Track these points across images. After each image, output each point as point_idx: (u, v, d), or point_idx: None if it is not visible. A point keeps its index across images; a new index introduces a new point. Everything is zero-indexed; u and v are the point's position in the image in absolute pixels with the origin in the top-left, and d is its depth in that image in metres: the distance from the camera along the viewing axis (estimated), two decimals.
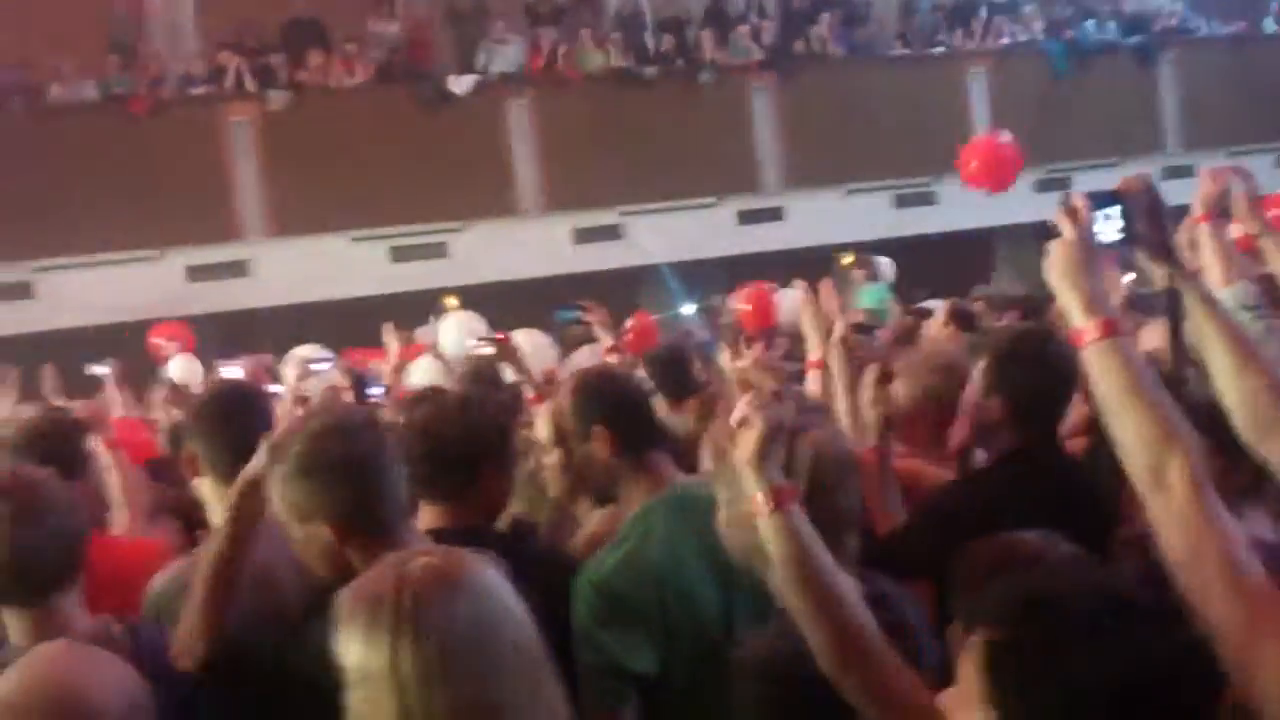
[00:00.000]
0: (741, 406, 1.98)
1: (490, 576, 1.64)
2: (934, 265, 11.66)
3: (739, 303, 6.54)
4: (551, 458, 2.77)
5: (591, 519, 2.95)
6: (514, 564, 1.76)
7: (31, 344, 9.87)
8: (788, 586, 1.90)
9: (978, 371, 2.84)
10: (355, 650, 1.56)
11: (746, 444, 1.95)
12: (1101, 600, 1.43)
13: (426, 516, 2.54)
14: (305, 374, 5.83)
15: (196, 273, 12.20)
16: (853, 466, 2.18)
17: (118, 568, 2.71)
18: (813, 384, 3.67)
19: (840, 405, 3.32)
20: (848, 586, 1.92)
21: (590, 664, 2.33)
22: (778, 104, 14.04)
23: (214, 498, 2.64)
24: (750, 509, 1.96)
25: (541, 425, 2.75)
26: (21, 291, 11.64)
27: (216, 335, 10.21)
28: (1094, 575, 1.76)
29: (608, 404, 2.59)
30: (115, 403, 6.96)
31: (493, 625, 1.59)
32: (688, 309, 12.87)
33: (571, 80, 13.54)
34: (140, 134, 12.05)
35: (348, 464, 2.13)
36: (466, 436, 2.60)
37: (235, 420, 2.66)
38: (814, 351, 3.71)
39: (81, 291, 11.59)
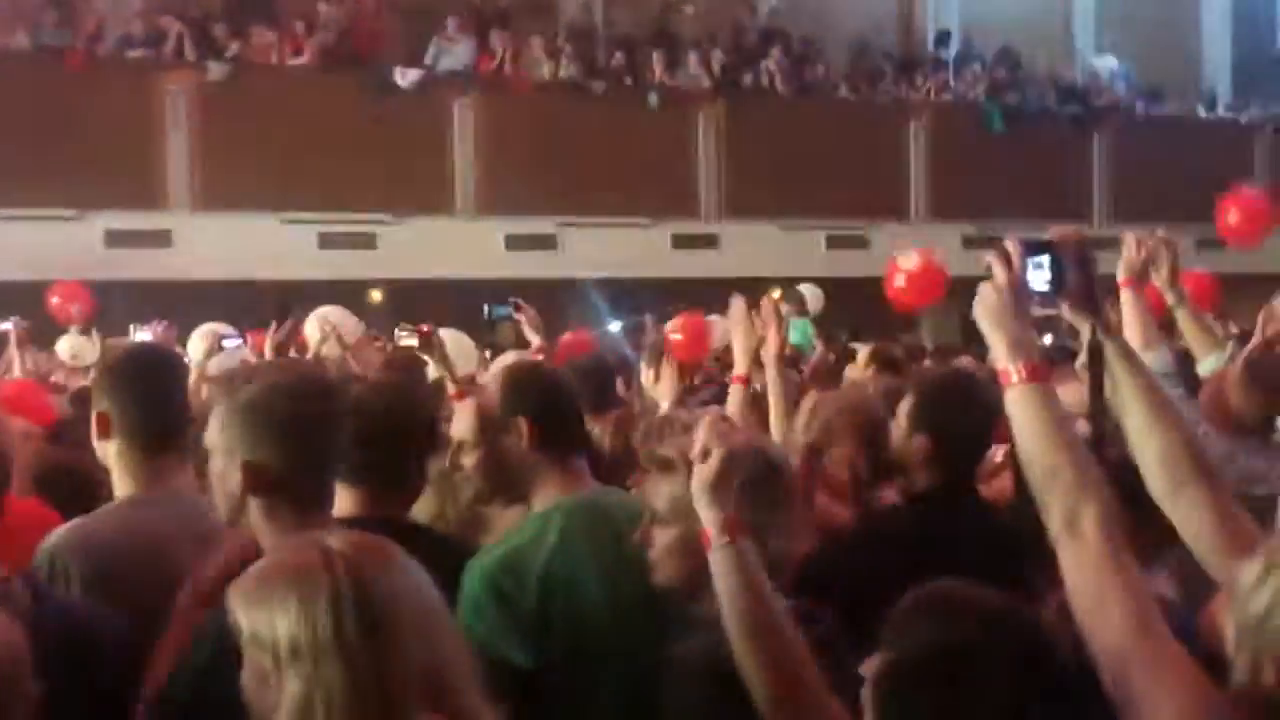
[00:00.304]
0: (703, 434, 1.97)
1: (405, 555, 1.62)
2: (860, 308, 11.78)
3: (673, 330, 6.52)
4: (470, 458, 2.74)
5: (503, 519, 2.92)
6: (421, 558, 1.72)
7: None
8: (734, 620, 1.90)
9: (902, 410, 2.87)
10: (284, 625, 1.49)
11: (704, 474, 1.94)
12: (1001, 634, 1.45)
13: (342, 501, 2.48)
14: (213, 349, 5.72)
15: (116, 238, 11.90)
16: (782, 478, 2.18)
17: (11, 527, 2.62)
18: (734, 400, 3.68)
19: (774, 423, 3.33)
20: (787, 621, 1.91)
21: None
22: (721, 133, 14.12)
23: (119, 461, 2.56)
24: (692, 538, 1.95)
25: (463, 421, 2.71)
26: None
27: (132, 304, 9.98)
28: (1000, 612, 1.78)
29: (535, 397, 2.56)
30: (13, 362, 6.77)
31: (425, 593, 1.59)
32: (614, 326, 12.88)
33: (518, 86, 13.50)
34: (71, 90, 11.73)
35: (305, 422, 2.08)
36: (395, 419, 2.55)
37: (151, 380, 2.58)
38: (740, 367, 3.72)
39: None
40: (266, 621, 1.51)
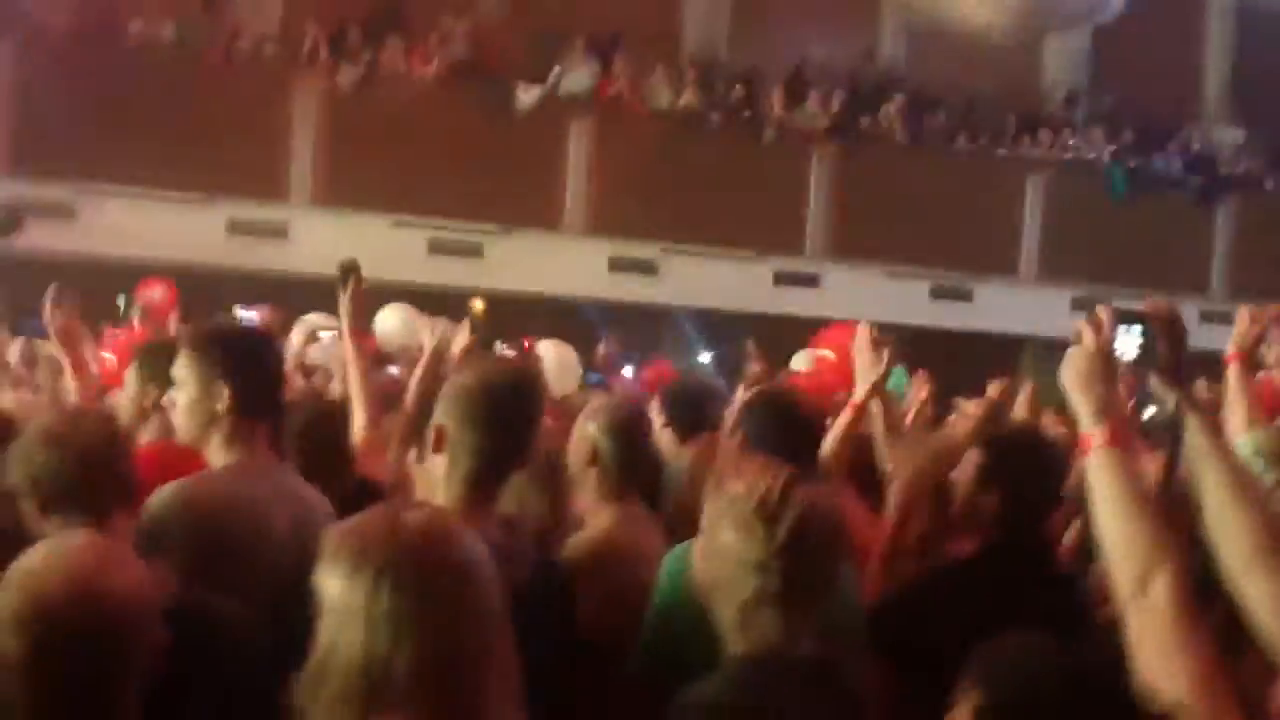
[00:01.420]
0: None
1: (471, 539, 1.69)
2: (958, 362, 11.67)
3: (820, 351, 6.32)
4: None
5: (600, 517, 2.99)
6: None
7: (70, 267, 9.96)
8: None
9: (969, 463, 2.86)
10: (335, 584, 1.60)
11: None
12: (1077, 678, 1.47)
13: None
14: (311, 340, 5.84)
15: (237, 226, 12.30)
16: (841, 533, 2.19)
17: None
18: (841, 426, 3.65)
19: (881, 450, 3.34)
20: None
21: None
22: (834, 174, 14.10)
23: (219, 429, 2.67)
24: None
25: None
26: (65, 212, 11.73)
27: (247, 290, 10.27)
28: (1077, 659, 1.77)
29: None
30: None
31: (465, 584, 1.64)
32: (706, 357, 12.91)
33: (637, 113, 13.65)
34: (209, 84, 12.17)
35: (492, 413, 2.42)
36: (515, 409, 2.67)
37: (250, 357, 2.69)
38: (860, 394, 3.71)
39: (121, 221, 11.68)
40: (326, 576, 1.61)
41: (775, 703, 1.94)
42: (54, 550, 1.79)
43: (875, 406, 3.64)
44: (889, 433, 3.85)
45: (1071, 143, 15.37)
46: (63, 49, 11.76)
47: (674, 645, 2.38)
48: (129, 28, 12.44)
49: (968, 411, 5.94)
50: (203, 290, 9.33)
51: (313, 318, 6.89)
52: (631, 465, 3.00)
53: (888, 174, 14.00)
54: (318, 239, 12.37)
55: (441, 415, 2.44)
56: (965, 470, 2.85)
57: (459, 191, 12.58)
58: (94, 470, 2.39)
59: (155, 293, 8.81)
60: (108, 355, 5.44)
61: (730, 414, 3.26)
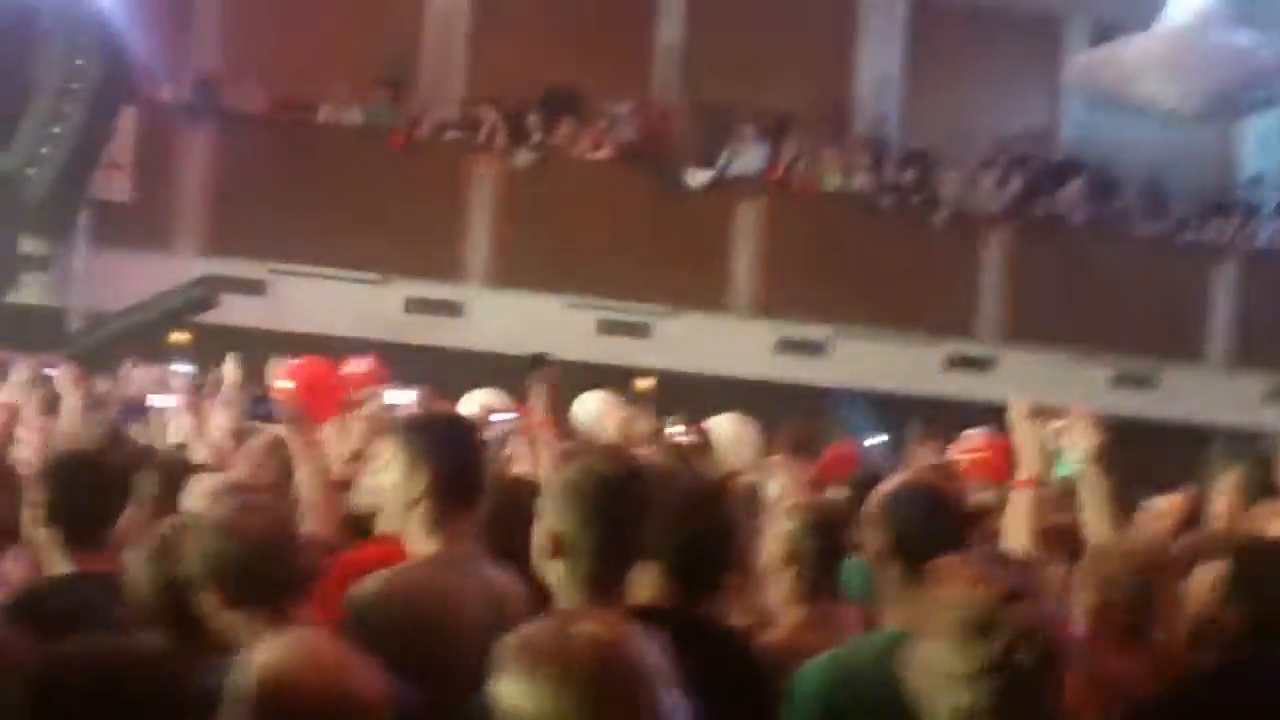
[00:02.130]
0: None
1: (649, 648, 1.65)
2: (1139, 453, 11.17)
3: (972, 447, 6.12)
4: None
5: (790, 616, 2.90)
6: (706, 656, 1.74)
7: (255, 338, 10.37)
8: None
9: (1208, 574, 2.68)
10: (514, 695, 1.58)
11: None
12: None
13: (645, 586, 2.54)
14: (483, 422, 5.79)
15: (414, 305, 12.66)
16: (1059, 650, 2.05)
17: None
18: (1020, 504, 3.47)
19: (1095, 523, 3.17)
20: None
21: None
22: (1010, 256, 13.80)
23: (419, 518, 2.67)
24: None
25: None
26: (257, 288, 12.26)
27: (423, 367, 10.50)
28: None
29: None
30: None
31: (641, 690, 1.60)
32: (876, 440, 12.64)
33: (807, 193, 13.63)
34: (391, 166, 12.62)
35: (608, 509, 2.27)
36: (714, 517, 2.62)
37: (452, 445, 2.69)
38: (1026, 469, 3.55)
39: (307, 299, 12.14)
40: (504, 687, 1.59)
41: None
42: (295, 647, 1.78)
43: (1092, 477, 3.41)
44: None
45: (1263, 229, 14.72)
46: (256, 133, 12.41)
47: None
48: (318, 112, 13.04)
49: (1161, 509, 5.64)
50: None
51: (480, 396, 6.91)
52: (832, 567, 2.91)
53: (1066, 256, 13.63)
54: (492, 318, 12.64)
55: (555, 519, 2.30)
56: (1204, 581, 2.66)
57: (628, 272, 12.73)
58: (274, 562, 2.37)
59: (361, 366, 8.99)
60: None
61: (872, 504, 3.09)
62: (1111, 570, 3.02)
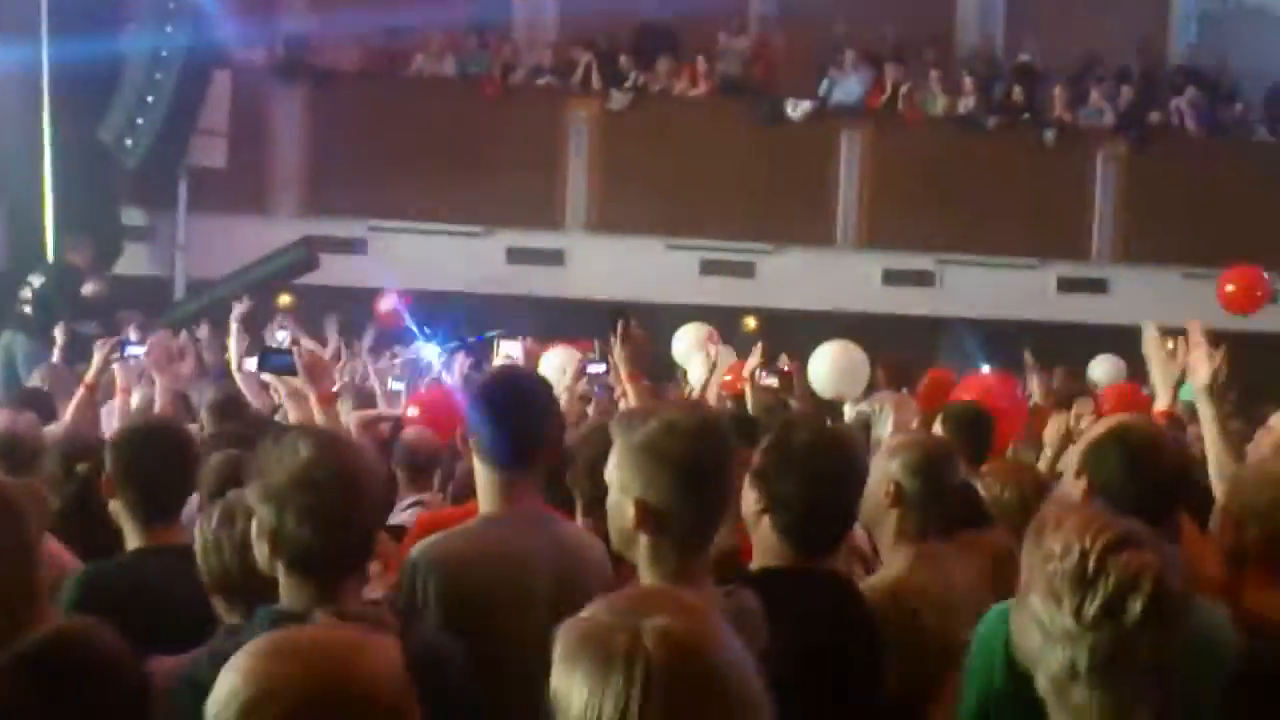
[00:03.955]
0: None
1: (726, 636, 1.52)
2: (1262, 367, 10.77)
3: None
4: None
5: (897, 558, 2.84)
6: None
7: (357, 297, 10.53)
8: None
9: None
10: (574, 689, 1.45)
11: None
12: None
13: (769, 548, 2.49)
14: (580, 374, 5.79)
15: (515, 255, 12.71)
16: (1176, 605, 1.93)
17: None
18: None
19: (1214, 461, 3.05)
20: None
21: None
22: (1122, 173, 13.34)
23: (477, 480, 2.67)
24: None
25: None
26: (357, 247, 12.40)
27: (526, 317, 10.58)
28: None
29: None
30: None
31: (716, 689, 1.47)
32: (985, 369, 12.36)
33: (910, 120, 13.31)
34: (486, 116, 12.62)
35: (698, 465, 2.10)
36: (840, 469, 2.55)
37: (504, 405, 2.63)
38: (1162, 401, 3.48)
39: (409, 255, 12.25)
40: (565, 683, 1.47)
41: None
42: (297, 638, 1.63)
43: (1204, 405, 3.26)
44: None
45: None
46: (349, 90, 12.43)
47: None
48: (410, 65, 13.07)
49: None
50: (484, 317, 9.67)
51: (572, 351, 6.93)
52: (938, 505, 2.84)
53: (1181, 170, 13.11)
54: (594, 264, 12.64)
55: (638, 486, 2.10)
56: None
57: (729, 210, 12.60)
58: (334, 532, 2.11)
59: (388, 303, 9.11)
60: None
61: (1076, 451, 2.93)
62: (1254, 501, 2.83)
